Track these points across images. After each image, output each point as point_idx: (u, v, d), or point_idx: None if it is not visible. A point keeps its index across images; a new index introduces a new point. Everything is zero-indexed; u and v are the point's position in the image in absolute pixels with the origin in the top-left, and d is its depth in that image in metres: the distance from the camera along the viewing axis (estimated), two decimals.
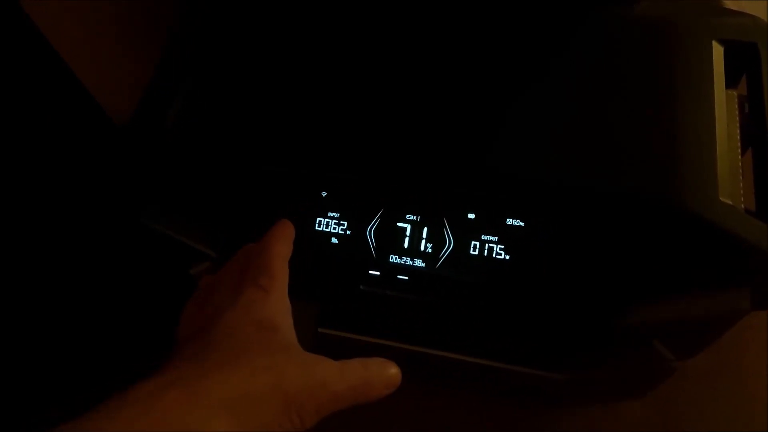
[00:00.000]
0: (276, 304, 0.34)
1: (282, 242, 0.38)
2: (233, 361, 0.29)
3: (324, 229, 0.44)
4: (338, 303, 0.48)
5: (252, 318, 0.32)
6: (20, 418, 0.54)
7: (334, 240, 0.44)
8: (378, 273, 0.44)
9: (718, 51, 0.47)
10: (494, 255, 0.42)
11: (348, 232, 0.44)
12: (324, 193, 0.44)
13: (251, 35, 0.51)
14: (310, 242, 0.45)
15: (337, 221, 0.44)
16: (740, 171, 0.45)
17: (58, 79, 0.50)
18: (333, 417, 0.37)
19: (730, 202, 0.40)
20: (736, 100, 0.49)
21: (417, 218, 0.43)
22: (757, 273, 0.41)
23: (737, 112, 0.48)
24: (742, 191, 0.44)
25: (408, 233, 0.43)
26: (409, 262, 0.43)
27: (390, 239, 0.44)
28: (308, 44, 0.49)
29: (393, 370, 0.33)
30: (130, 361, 0.62)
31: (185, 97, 0.49)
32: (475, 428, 0.63)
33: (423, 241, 0.43)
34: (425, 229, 0.43)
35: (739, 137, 0.46)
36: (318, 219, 0.44)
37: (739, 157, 0.46)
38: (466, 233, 0.43)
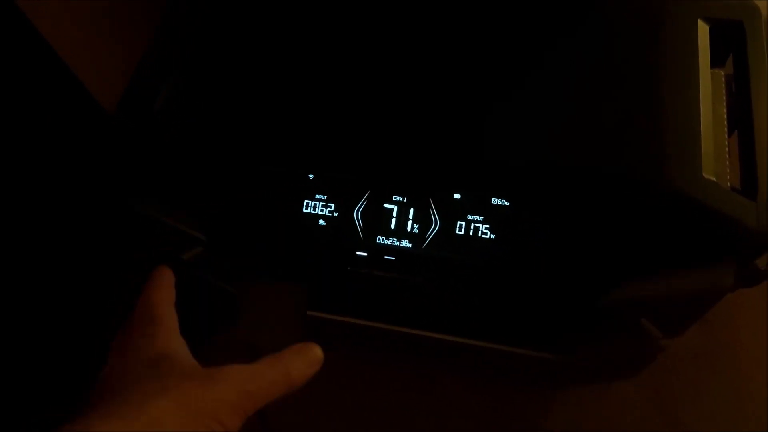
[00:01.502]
0: (165, 341, 0.36)
1: (160, 290, 0.41)
2: (127, 397, 0.31)
3: (311, 212, 0.45)
4: (326, 284, 0.49)
5: (141, 358, 0.34)
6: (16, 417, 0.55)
7: (321, 222, 0.45)
8: (365, 254, 0.45)
9: (703, 30, 0.47)
10: (480, 234, 0.43)
11: (335, 214, 0.45)
12: (311, 176, 0.45)
13: (240, 24, 0.51)
14: (298, 224, 0.45)
15: (324, 203, 0.45)
16: (726, 149, 0.45)
17: (47, 66, 0.51)
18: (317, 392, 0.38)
19: (714, 179, 0.41)
20: (723, 79, 0.49)
21: (403, 199, 0.44)
22: (741, 249, 0.41)
23: (724, 91, 0.48)
24: (728, 169, 0.44)
25: (395, 214, 0.44)
26: (396, 243, 0.44)
27: (377, 220, 0.44)
28: (293, 32, 0.49)
29: (311, 352, 0.37)
30: None
31: (173, 83, 0.50)
32: (465, 409, 0.64)
33: (410, 222, 0.44)
34: (412, 210, 0.44)
35: (725, 116, 0.47)
36: (305, 201, 0.45)
37: (726, 135, 0.46)
38: (451, 213, 0.43)
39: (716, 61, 0.48)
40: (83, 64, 0.53)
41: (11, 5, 0.46)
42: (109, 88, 0.53)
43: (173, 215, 0.49)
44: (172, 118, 0.48)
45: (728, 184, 0.43)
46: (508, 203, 0.42)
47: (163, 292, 0.41)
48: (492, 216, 0.43)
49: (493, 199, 0.43)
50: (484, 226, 0.43)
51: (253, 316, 0.49)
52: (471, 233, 0.43)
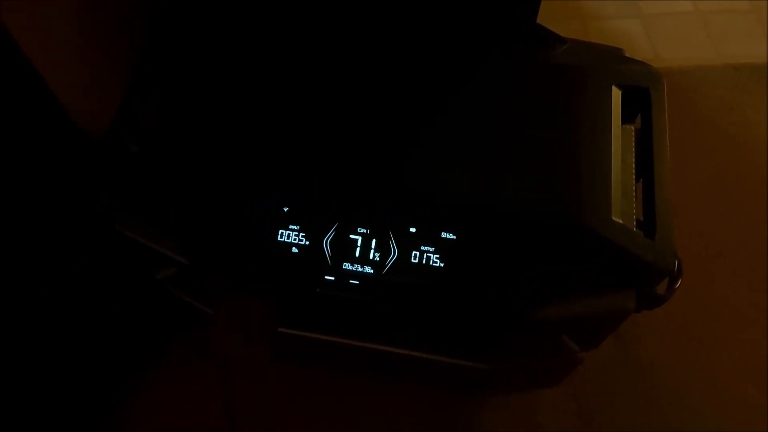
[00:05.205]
0: None
1: None
2: None
3: (286, 240, 0.50)
4: (297, 304, 0.54)
5: None
6: None
7: (294, 249, 0.50)
8: (333, 278, 0.50)
9: (617, 94, 0.56)
10: (431, 263, 0.49)
11: (307, 243, 0.50)
12: (286, 209, 0.50)
13: (219, 57, 0.56)
14: (273, 251, 0.50)
15: (297, 233, 0.50)
16: (633, 193, 0.54)
17: (32, 93, 0.54)
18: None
19: (621, 221, 0.49)
20: (633, 133, 0.58)
21: (367, 231, 0.49)
22: (641, 279, 0.50)
23: (633, 144, 0.57)
24: (634, 211, 0.53)
25: (359, 244, 0.49)
26: (360, 269, 0.50)
27: (343, 249, 0.50)
28: (273, 75, 0.55)
29: None
30: (101, 360, 0.66)
31: (157, 113, 0.53)
32: (412, 414, 0.71)
33: (372, 251, 0.49)
34: (374, 241, 0.49)
35: (634, 165, 0.56)
36: (281, 231, 0.50)
37: (633, 180, 0.55)
38: (408, 244, 0.49)
39: (627, 119, 0.57)
40: (69, 91, 0.56)
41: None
42: (95, 117, 0.57)
43: (155, 238, 0.53)
44: (159, 147, 0.52)
45: (634, 224, 0.52)
46: (455, 237, 0.49)
47: None
48: (441, 247, 0.49)
49: (442, 233, 0.49)
50: (435, 255, 0.49)
51: (228, 330, 0.53)
52: (424, 261, 0.49)
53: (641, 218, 0.52)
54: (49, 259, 0.59)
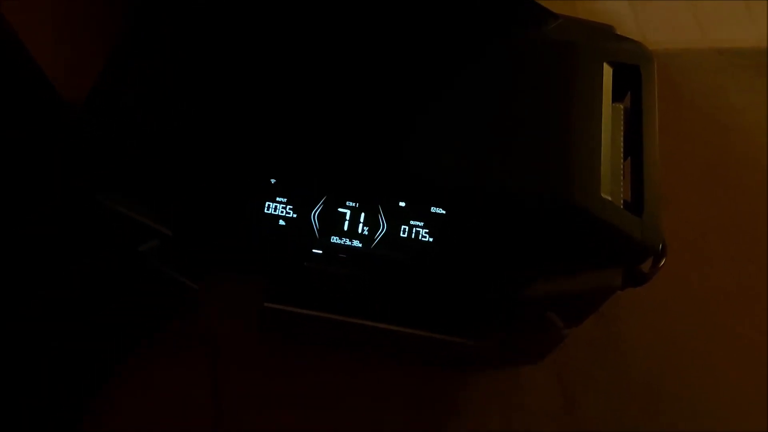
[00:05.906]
0: None
1: None
2: None
3: (272, 213, 0.49)
4: (284, 278, 0.53)
5: None
6: None
7: (281, 222, 0.49)
8: (320, 252, 0.50)
9: (607, 71, 0.56)
10: (420, 238, 0.49)
11: (294, 216, 0.49)
12: (273, 180, 0.49)
13: (208, 23, 0.55)
14: (259, 224, 0.49)
15: (284, 206, 0.49)
16: (621, 171, 0.54)
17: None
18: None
19: (610, 199, 0.49)
20: (622, 112, 0.58)
21: (356, 205, 0.49)
22: (628, 256, 0.50)
23: (622, 122, 0.57)
24: (622, 189, 0.53)
25: (348, 217, 0.49)
26: (348, 243, 0.49)
27: (332, 222, 0.49)
28: (262, 40, 0.54)
29: None
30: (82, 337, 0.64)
31: (141, 80, 0.52)
32: (396, 389, 0.71)
33: (360, 225, 0.49)
34: (362, 215, 0.49)
35: (622, 143, 0.56)
36: (267, 203, 0.49)
37: (621, 159, 0.55)
38: (397, 219, 0.49)
39: (617, 97, 0.57)
40: (50, 57, 0.55)
41: None
42: (77, 83, 0.55)
43: (137, 209, 0.52)
44: (139, 114, 0.50)
45: (621, 202, 0.52)
46: (444, 212, 0.49)
47: None
48: (431, 222, 0.49)
49: (432, 208, 0.49)
50: (424, 230, 0.49)
51: (212, 309, 0.52)
52: (413, 236, 0.49)
53: (628, 197, 0.52)
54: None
